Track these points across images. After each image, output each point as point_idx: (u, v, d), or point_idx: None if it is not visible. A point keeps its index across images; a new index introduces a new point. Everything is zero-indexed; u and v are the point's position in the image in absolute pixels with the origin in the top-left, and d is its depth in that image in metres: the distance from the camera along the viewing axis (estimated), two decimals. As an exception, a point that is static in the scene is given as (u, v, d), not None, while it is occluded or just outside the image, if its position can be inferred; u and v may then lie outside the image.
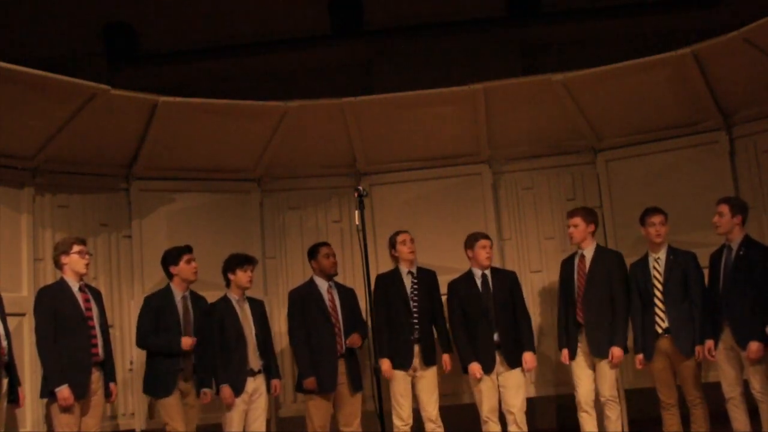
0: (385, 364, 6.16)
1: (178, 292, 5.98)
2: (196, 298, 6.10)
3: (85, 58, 8.77)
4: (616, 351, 5.96)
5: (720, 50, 6.22)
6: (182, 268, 5.99)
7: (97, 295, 5.71)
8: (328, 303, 6.30)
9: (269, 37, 9.13)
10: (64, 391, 5.28)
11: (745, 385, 5.69)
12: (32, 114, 5.91)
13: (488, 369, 6.14)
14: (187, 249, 6.06)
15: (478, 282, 6.29)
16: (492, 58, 8.82)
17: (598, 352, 6.02)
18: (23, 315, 5.87)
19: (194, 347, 5.88)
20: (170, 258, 6.03)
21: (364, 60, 9.30)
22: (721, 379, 5.76)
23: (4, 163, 6.09)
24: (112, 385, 5.66)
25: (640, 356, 5.99)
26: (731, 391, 5.69)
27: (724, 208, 5.76)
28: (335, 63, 9.29)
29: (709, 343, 5.73)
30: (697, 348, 5.79)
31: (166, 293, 5.99)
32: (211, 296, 6.23)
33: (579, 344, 6.08)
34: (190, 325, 5.95)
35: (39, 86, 5.80)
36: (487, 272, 6.31)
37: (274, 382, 6.17)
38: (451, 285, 6.43)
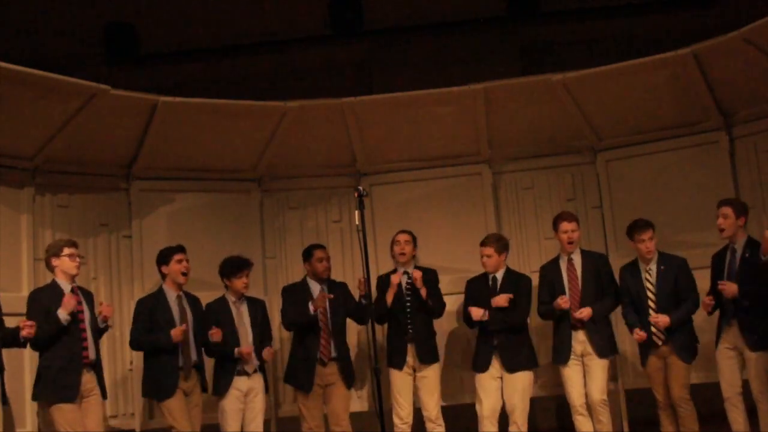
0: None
1: (171, 293, 5.94)
2: (193, 299, 6.05)
3: (85, 58, 8.77)
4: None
5: (720, 50, 6.22)
6: (172, 268, 5.94)
7: (89, 297, 5.68)
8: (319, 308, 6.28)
9: (269, 37, 9.13)
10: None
11: (745, 386, 5.69)
12: (32, 114, 5.91)
13: (481, 368, 6.18)
14: (179, 249, 6.01)
15: (489, 285, 6.32)
16: (492, 58, 8.82)
17: (602, 354, 6.04)
18: (23, 315, 5.85)
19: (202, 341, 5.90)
20: (162, 258, 6.00)
21: (364, 60, 9.30)
22: (720, 379, 5.77)
23: (4, 163, 6.09)
24: None
25: (637, 329, 5.94)
26: (729, 390, 5.69)
27: (728, 210, 5.72)
28: (335, 63, 9.29)
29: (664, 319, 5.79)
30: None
31: (158, 294, 5.95)
32: (211, 296, 6.23)
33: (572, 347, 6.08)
34: (188, 323, 5.90)
35: (39, 86, 5.80)
36: (498, 275, 6.31)
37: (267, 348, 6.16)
38: (468, 283, 6.46)
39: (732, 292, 5.59)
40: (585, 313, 5.99)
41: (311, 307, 6.11)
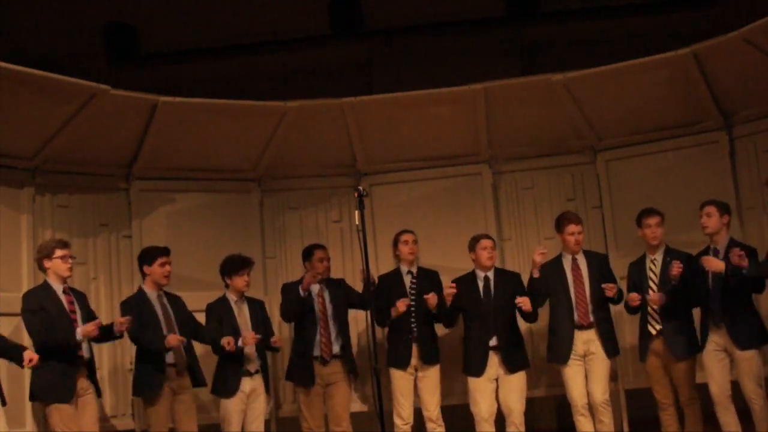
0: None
1: (151, 293, 5.88)
2: (174, 299, 5.99)
3: (85, 58, 8.76)
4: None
5: (720, 50, 6.23)
6: (154, 269, 5.86)
7: (81, 297, 5.67)
8: (318, 307, 6.27)
9: (269, 37, 9.12)
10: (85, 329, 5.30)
11: (733, 387, 5.66)
12: (32, 114, 5.91)
13: (479, 372, 6.11)
14: (164, 251, 5.92)
15: (480, 284, 6.26)
16: (492, 58, 8.81)
17: (607, 354, 6.02)
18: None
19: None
20: (145, 257, 5.92)
21: (364, 60, 9.29)
22: (708, 382, 5.71)
23: (4, 163, 6.09)
24: None
25: (634, 294, 5.95)
26: (720, 393, 5.64)
27: (712, 209, 5.75)
28: (335, 63, 9.28)
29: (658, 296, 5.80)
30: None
31: (140, 294, 5.89)
32: (211, 296, 6.23)
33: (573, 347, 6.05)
34: (171, 321, 5.85)
35: (39, 86, 5.80)
36: (490, 274, 6.29)
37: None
38: (455, 283, 6.41)
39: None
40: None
41: (301, 290, 6.09)
